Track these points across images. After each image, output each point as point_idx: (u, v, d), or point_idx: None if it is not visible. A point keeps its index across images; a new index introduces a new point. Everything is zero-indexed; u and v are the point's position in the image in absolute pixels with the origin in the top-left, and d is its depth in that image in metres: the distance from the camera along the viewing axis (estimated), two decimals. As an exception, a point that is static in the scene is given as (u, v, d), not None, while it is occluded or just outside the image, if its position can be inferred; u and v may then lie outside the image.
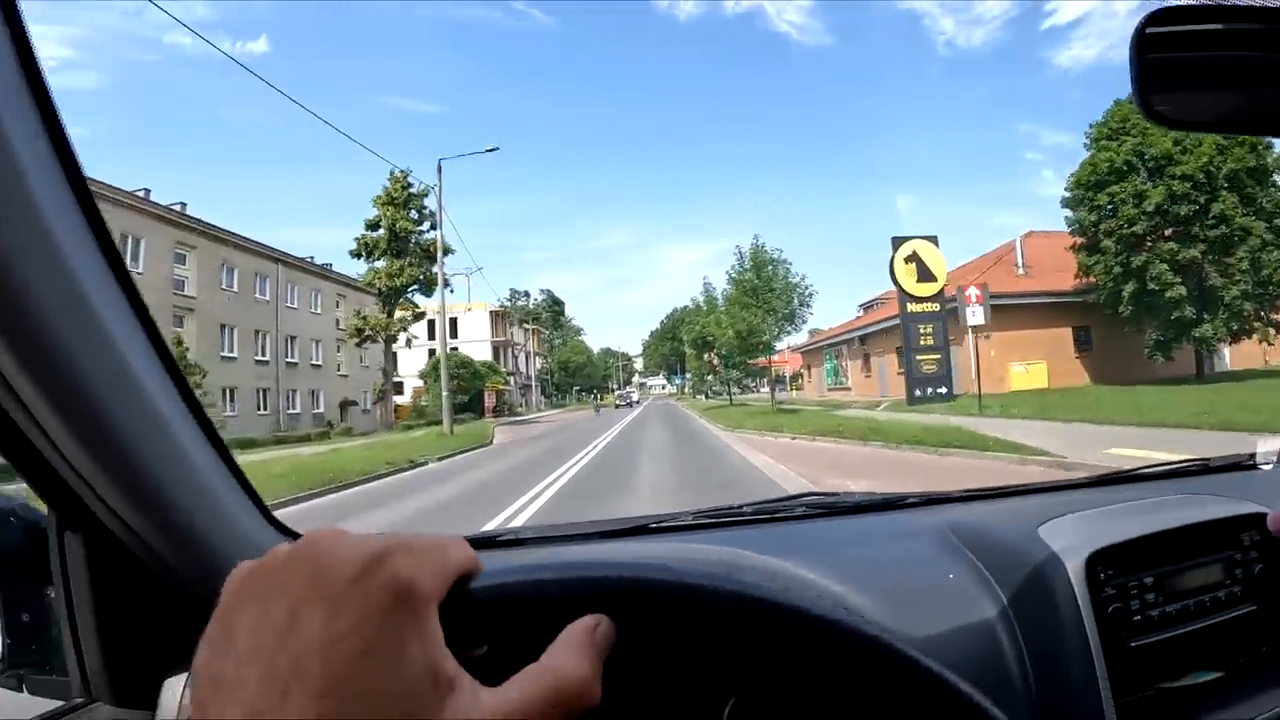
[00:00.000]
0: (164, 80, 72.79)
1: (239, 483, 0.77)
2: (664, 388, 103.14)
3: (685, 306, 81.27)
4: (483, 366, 46.71)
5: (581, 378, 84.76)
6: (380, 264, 31.25)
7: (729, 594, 0.46)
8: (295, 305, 37.14)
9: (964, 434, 11.07)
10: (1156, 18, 0.62)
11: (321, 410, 38.27)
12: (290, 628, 0.29)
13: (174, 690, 0.73)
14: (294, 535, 0.86)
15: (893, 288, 23.56)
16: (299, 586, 0.30)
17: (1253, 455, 1.29)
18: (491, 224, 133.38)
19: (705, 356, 42.00)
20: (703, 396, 63.48)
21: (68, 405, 0.56)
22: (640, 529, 1.17)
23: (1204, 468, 1.40)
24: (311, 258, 39.80)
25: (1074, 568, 0.86)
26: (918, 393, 21.59)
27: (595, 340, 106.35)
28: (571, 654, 0.34)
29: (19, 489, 0.75)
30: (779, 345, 27.21)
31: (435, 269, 30.71)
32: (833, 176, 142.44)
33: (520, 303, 60.79)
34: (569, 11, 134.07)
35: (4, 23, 0.49)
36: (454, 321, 59.93)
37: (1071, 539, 0.91)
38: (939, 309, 22.34)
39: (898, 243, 22.72)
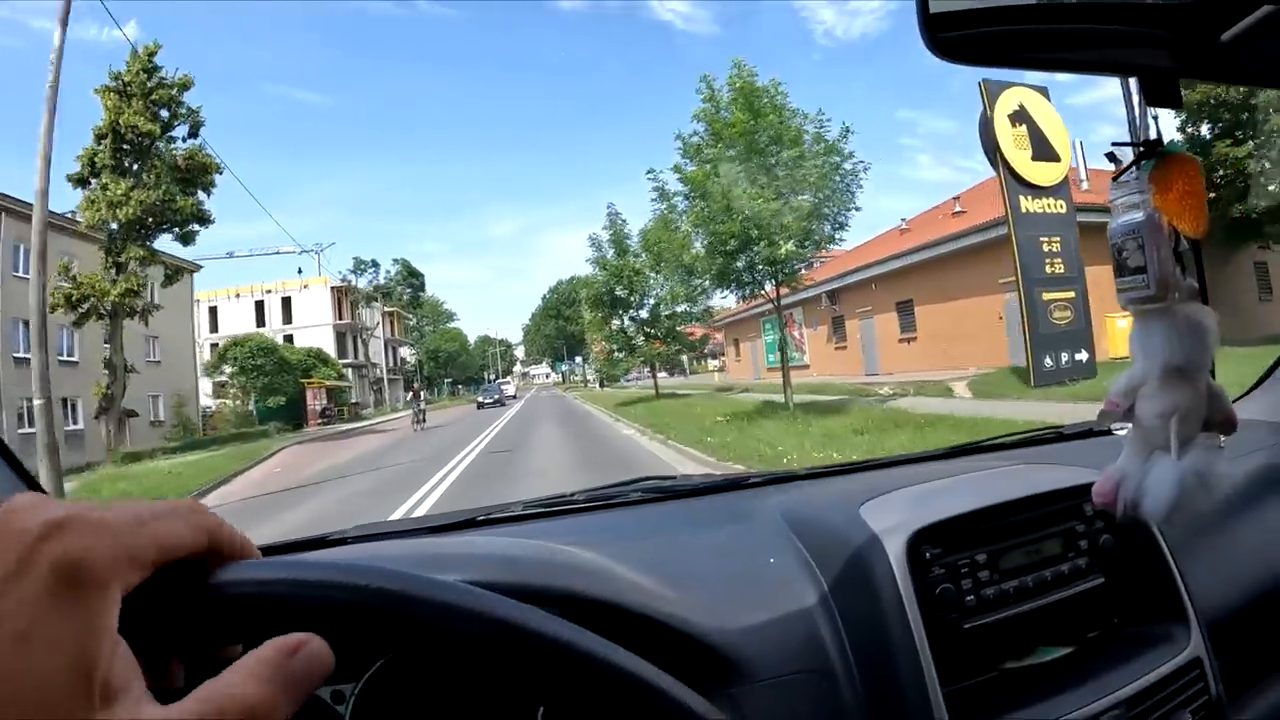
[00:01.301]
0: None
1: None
2: (548, 376, 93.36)
3: (575, 277, 72.36)
4: (304, 355, 34.03)
5: (456, 368, 73.23)
6: (112, 189, 19.06)
7: (438, 604, 0.40)
8: (28, 275, 24.42)
9: None
10: None
11: (80, 425, 25.95)
12: None
13: None
14: None
15: (833, 249, 13.96)
16: None
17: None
18: (373, 211, 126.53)
19: (614, 324, 26.69)
20: (597, 385, 53.07)
21: None
22: (469, 522, 1.13)
23: (1058, 435, 1.41)
24: (73, 213, 26.69)
25: (894, 549, 0.81)
26: (1048, 362, 11.94)
27: (481, 332, 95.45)
28: (252, 677, 0.30)
29: None
30: (801, 265, 12.83)
31: (199, 197, 19.45)
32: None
33: (368, 275, 47.36)
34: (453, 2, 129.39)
35: None
36: (287, 301, 47.14)
37: (894, 518, 0.86)
38: (1065, 209, 12.60)
39: (994, 91, 12.33)
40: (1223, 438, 0.58)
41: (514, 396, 46.87)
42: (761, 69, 12.33)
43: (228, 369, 28.10)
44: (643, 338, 25.84)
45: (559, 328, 71.29)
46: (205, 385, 29.66)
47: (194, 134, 19.86)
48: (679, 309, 22.62)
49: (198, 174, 19.10)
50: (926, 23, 0.57)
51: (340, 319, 45.90)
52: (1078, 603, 0.89)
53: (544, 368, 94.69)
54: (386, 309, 52.38)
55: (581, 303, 28.01)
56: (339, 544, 1.05)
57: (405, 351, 64.16)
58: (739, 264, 12.37)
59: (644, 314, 25.61)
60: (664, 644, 0.72)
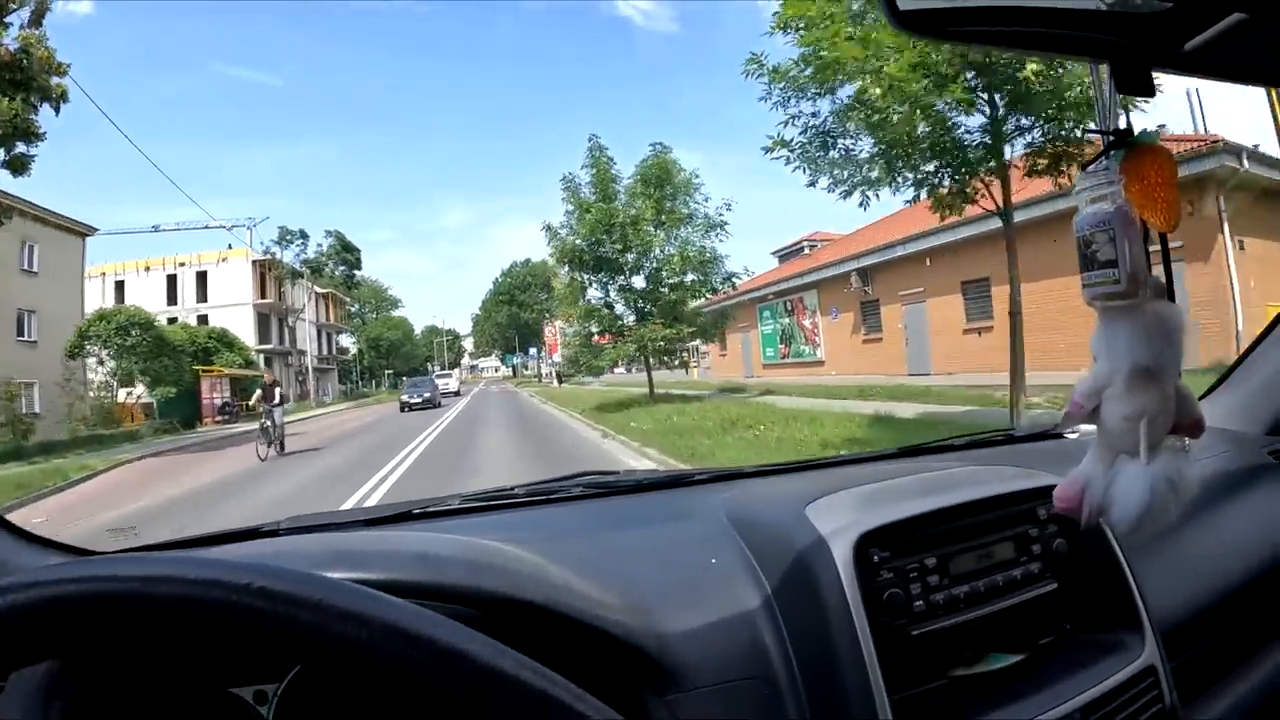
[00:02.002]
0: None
1: None
2: (497, 370, 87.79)
3: (527, 260, 66.99)
4: (201, 335, 27.96)
5: (399, 359, 67.36)
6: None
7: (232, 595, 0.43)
8: None
9: None
10: None
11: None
12: None
13: None
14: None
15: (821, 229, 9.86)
16: None
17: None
18: (320, 196, 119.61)
19: (594, 294, 18.93)
20: (554, 381, 47.52)
21: None
22: (405, 515, 1.11)
23: (1009, 438, 1.40)
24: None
25: (841, 551, 0.79)
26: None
27: (429, 324, 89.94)
28: None
29: None
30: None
31: (37, 107, 13.97)
32: (680, 153, 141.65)
33: (295, 248, 40.68)
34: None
35: None
36: (203, 276, 40.83)
37: (841, 519, 0.84)
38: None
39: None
40: (1188, 441, 0.56)
41: (457, 393, 39.59)
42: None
43: (98, 350, 22.06)
44: (635, 316, 18.32)
45: (512, 315, 65.99)
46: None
47: (36, 22, 14.41)
48: (689, 279, 17.13)
49: (32, 72, 13.61)
50: (894, 14, 0.57)
51: (263, 298, 39.83)
52: (1030, 608, 0.87)
53: (493, 360, 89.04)
54: (319, 289, 46.20)
55: (552, 259, 19.82)
56: (271, 535, 1.03)
57: (346, 340, 58.24)
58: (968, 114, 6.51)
59: (640, 281, 18.13)
60: (596, 648, 0.70)
